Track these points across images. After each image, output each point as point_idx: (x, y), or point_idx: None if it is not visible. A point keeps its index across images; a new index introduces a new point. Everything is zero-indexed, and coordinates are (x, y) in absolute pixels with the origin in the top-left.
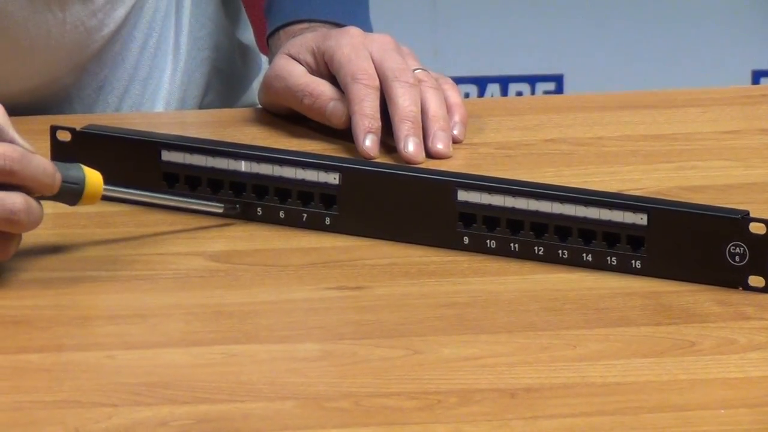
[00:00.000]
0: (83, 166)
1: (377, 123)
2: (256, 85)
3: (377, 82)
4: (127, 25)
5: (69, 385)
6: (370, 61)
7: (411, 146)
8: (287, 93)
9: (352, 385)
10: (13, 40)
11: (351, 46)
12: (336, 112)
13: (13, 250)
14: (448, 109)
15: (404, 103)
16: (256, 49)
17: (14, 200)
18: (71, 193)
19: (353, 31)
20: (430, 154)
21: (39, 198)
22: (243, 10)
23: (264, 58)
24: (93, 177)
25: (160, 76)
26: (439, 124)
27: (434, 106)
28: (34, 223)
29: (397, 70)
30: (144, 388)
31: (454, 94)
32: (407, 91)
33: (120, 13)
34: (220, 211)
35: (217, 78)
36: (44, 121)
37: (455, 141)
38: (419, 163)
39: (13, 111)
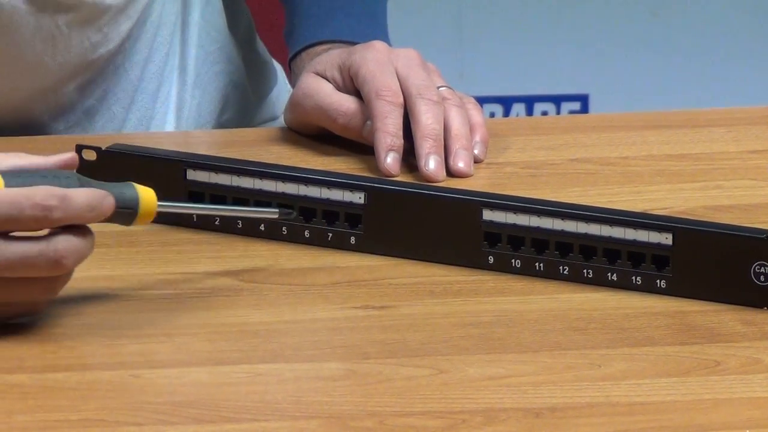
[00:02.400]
0: (135, 185)
1: (399, 141)
2: (274, 96)
3: (401, 99)
4: (131, 38)
5: (94, 404)
6: (395, 76)
7: (432, 164)
8: (318, 111)
9: (377, 405)
10: (19, 55)
11: (376, 61)
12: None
13: (61, 288)
14: (470, 129)
15: (427, 120)
16: (271, 59)
17: (57, 247)
18: (125, 216)
19: (379, 46)
20: (451, 173)
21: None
22: (253, 22)
23: (279, 68)
24: (146, 195)
25: (168, 90)
26: (461, 143)
27: (457, 125)
28: (83, 259)
29: (422, 87)
30: (169, 407)
31: (476, 113)
32: (430, 108)
33: (124, 27)
34: (276, 216)
35: (234, 92)
36: (69, 140)
37: (476, 161)
38: (440, 181)
39: (16, 121)
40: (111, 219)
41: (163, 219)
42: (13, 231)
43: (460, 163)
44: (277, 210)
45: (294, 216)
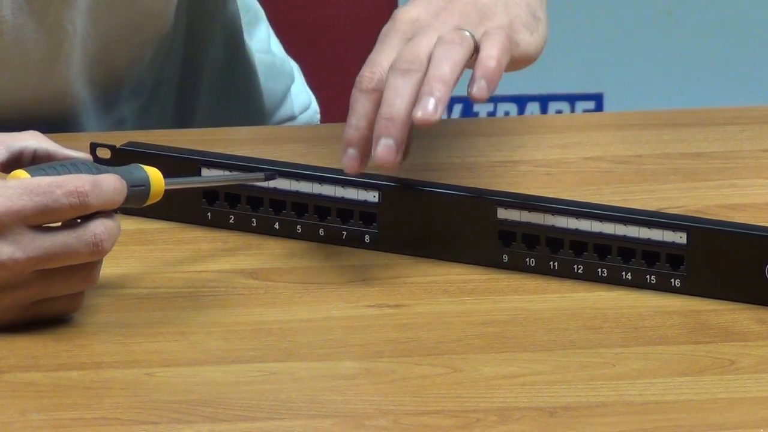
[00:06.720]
0: (142, 166)
1: (358, 133)
2: (291, 95)
3: (374, 84)
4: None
5: (109, 402)
6: (388, 52)
7: (379, 148)
8: None
9: (391, 403)
10: (24, 53)
11: (383, 33)
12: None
13: (98, 276)
14: (474, 64)
15: (386, 97)
16: (287, 58)
17: (95, 231)
18: (138, 197)
19: (401, 16)
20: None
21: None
22: (268, 24)
23: (295, 66)
24: (154, 175)
25: (182, 97)
26: (429, 86)
27: (432, 68)
28: (115, 242)
29: (399, 60)
30: (184, 405)
31: (489, 46)
32: (394, 82)
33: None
34: (263, 180)
35: (252, 96)
36: (84, 138)
37: (475, 99)
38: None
39: (25, 119)
40: (125, 202)
41: (177, 216)
42: (47, 222)
43: (419, 112)
44: (262, 174)
45: (276, 177)
